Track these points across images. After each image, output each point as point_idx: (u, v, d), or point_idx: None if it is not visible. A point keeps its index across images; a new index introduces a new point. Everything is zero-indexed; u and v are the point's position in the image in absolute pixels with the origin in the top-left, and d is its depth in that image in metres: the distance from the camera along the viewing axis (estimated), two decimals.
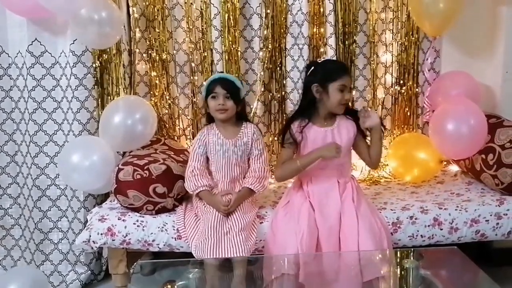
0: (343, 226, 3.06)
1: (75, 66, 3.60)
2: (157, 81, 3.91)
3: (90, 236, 3.21)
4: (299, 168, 3.13)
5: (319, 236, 3.04)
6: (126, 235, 3.20)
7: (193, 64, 3.94)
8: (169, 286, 2.77)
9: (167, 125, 3.98)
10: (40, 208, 3.74)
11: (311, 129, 3.16)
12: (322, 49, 3.91)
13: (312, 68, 3.15)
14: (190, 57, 3.94)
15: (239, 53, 3.91)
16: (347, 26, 3.92)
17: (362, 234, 2.99)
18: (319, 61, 3.22)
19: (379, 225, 3.10)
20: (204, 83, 3.87)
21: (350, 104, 3.44)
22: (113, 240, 3.21)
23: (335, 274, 3.00)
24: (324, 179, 3.20)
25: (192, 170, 3.24)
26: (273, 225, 3.18)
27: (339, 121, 3.19)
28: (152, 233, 3.21)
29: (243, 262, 3.01)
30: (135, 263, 3.31)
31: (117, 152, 3.60)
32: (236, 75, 3.86)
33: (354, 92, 4.01)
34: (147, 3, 3.83)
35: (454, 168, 3.97)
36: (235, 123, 3.32)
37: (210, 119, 3.35)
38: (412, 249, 3.18)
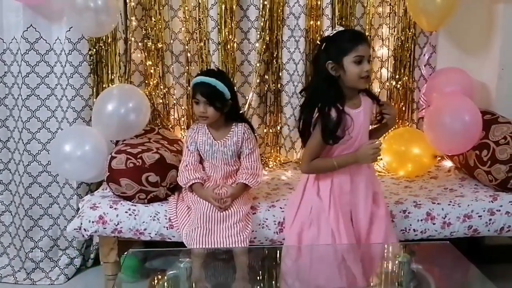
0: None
1: (71, 54, 3.59)
2: (152, 71, 3.89)
3: (81, 223, 3.19)
4: (335, 168, 2.87)
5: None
6: (118, 224, 3.19)
7: (189, 54, 3.92)
8: (159, 276, 2.77)
9: (161, 115, 3.97)
10: (31, 195, 3.72)
11: (349, 112, 2.83)
12: (318, 42, 3.89)
13: (324, 44, 2.84)
14: (186, 47, 3.92)
15: (235, 44, 3.90)
16: (344, 20, 3.89)
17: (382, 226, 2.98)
18: (331, 35, 2.87)
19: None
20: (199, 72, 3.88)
21: None
22: (104, 228, 3.19)
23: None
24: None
25: (186, 165, 3.23)
26: (291, 235, 3.04)
27: (364, 100, 2.92)
28: (144, 222, 3.20)
29: (244, 253, 3.02)
30: (126, 252, 3.31)
31: (110, 140, 3.59)
32: (232, 66, 3.86)
33: None
34: None
35: (447, 163, 3.96)
36: (225, 123, 3.26)
37: None
38: (404, 243, 3.18)
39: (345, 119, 2.79)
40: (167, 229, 3.20)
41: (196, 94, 3.14)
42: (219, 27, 3.83)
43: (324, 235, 2.91)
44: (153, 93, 3.92)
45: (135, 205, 3.24)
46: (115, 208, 3.22)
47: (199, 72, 3.50)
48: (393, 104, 4.02)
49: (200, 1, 3.83)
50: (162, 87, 3.94)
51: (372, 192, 3.00)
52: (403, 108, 4.06)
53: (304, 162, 2.94)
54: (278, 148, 4.13)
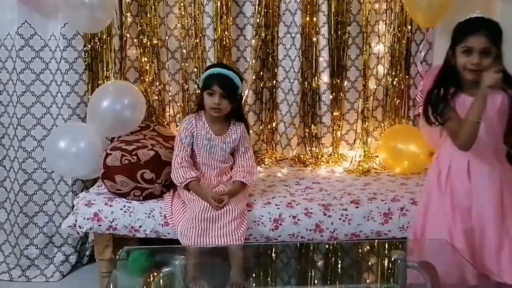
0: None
1: (66, 50, 3.58)
2: (147, 67, 3.88)
3: (76, 221, 3.18)
4: (473, 121, 2.57)
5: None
6: (113, 221, 3.18)
7: (184, 51, 3.91)
8: (155, 273, 2.76)
9: (156, 112, 3.95)
10: (26, 192, 3.71)
11: (459, 97, 2.71)
12: (314, 38, 3.89)
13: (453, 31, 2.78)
14: (182, 43, 3.91)
15: (231, 40, 3.89)
16: (340, 16, 3.90)
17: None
18: (458, 22, 2.77)
19: None
20: (195, 69, 3.87)
21: None
22: (99, 225, 3.18)
23: None
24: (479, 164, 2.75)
25: (180, 162, 3.18)
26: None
27: (494, 92, 2.63)
28: (139, 219, 3.19)
29: (239, 250, 3.01)
30: (121, 249, 3.30)
31: (106, 137, 3.57)
32: (228, 62, 3.84)
33: (345, 83, 4.01)
34: None
35: None
36: (225, 119, 3.26)
37: (200, 108, 3.29)
38: (401, 240, 3.17)
39: (450, 103, 2.70)
40: (162, 226, 3.19)
41: (212, 85, 3.12)
42: (214, 23, 3.81)
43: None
44: (149, 90, 3.91)
45: (130, 202, 3.23)
46: (110, 205, 3.21)
47: (210, 65, 3.50)
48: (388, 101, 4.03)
49: None
50: (157, 83, 3.93)
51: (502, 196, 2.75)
52: (399, 105, 4.06)
53: (452, 140, 2.75)
54: (274, 145, 4.11)
